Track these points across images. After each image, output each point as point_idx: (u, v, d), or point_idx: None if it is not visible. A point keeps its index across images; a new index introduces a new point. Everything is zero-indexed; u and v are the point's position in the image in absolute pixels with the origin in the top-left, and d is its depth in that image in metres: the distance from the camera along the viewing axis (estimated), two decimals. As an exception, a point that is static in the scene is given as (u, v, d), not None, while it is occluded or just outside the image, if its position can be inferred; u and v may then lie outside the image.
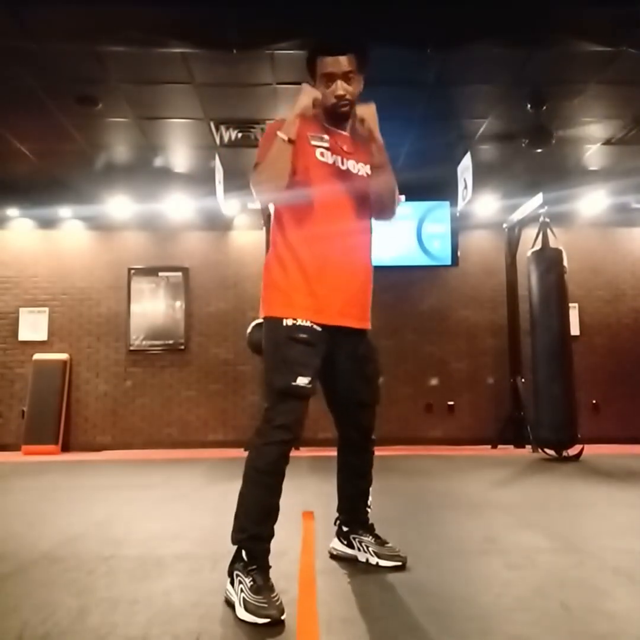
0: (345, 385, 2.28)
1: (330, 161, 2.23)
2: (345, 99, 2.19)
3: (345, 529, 2.43)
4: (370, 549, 2.35)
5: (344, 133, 2.29)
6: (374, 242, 2.34)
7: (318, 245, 2.15)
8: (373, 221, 2.36)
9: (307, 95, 2.13)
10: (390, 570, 2.28)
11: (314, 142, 2.21)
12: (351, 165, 2.27)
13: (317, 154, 2.21)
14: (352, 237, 2.24)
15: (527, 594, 2.01)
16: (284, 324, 2.08)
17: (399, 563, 2.31)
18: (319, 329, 2.11)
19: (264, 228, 7.52)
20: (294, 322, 2.08)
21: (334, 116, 2.25)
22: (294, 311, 2.09)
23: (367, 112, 2.19)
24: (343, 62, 2.16)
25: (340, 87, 2.18)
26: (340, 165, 2.25)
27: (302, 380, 2.03)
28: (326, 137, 2.24)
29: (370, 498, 2.43)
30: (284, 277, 2.15)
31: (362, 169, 2.28)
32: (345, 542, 2.43)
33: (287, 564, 2.33)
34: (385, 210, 2.34)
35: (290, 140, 2.09)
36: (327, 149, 2.23)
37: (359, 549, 2.38)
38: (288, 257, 2.16)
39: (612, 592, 2.05)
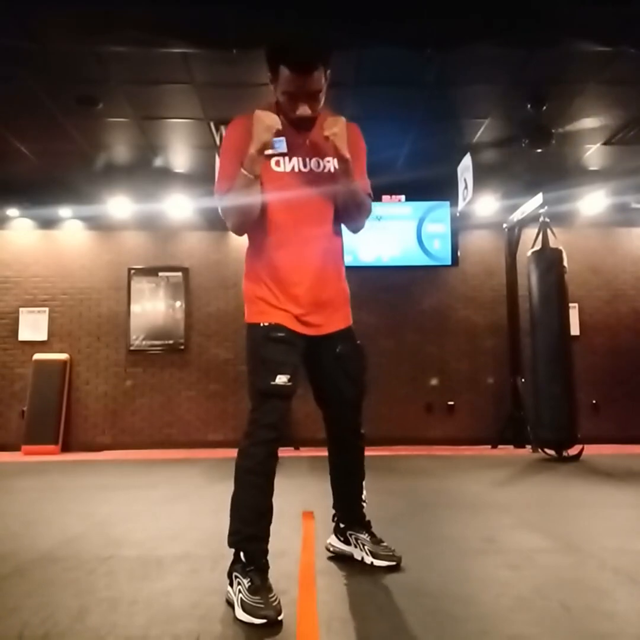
0: (328, 385, 2.27)
1: (288, 169, 2.10)
2: (307, 118, 2.04)
3: (341, 525, 2.43)
4: (365, 547, 2.35)
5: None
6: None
7: (276, 262, 2.10)
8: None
9: (265, 130, 1.94)
10: (389, 570, 2.28)
11: (267, 152, 2.02)
12: (314, 164, 2.14)
13: (272, 165, 2.09)
14: (317, 246, 2.15)
15: (527, 594, 2.01)
16: (261, 325, 2.09)
17: (393, 563, 2.31)
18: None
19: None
20: (270, 323, 2.08)
21: (293, 126, 2.09)
22: (267, 317, 2.09)
23: (334, 129, 1.99)
24: (310, 82, 1.96)
25: (305, 108, 2.02)
26: (301, 168, 2.12)
27: (281, 379, 2.02)
28: (283, 139, 2.05)
29: (364, 492, 2.43)
30: (251, 287, 2.16)
31: (328, 164, 2.15)
32: (341, 539, 2.43)
33: (287, 564, 2.33)
34: (353, 225, 2.27)
35: (256, 177, 1.98)
36: (283, 154, 2.09)
37: (355, 546, 2.39)
38: (252, 269, 2.18)
39: (612, 592, 2.05)
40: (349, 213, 2.20)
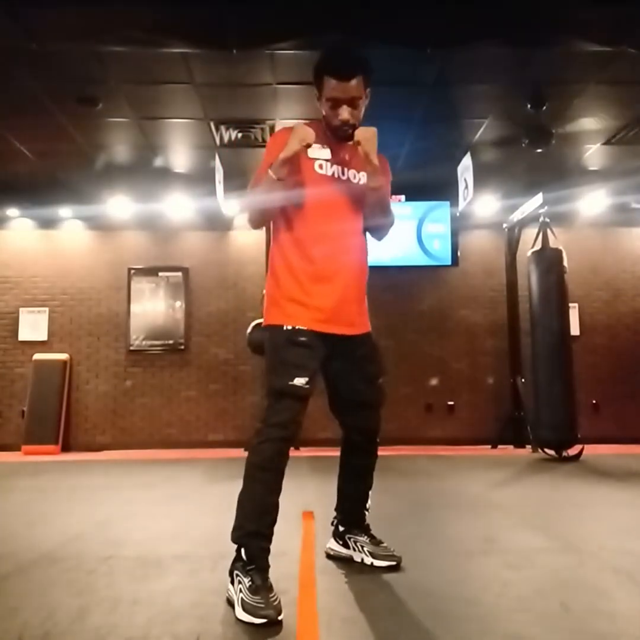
0: (347, 387, 2.30)
1: (329, 172, 2.26)
2: (348, 124, 2.20)
3: (341, 529, 2.44)
4: (365, 549, 2.37)
5: (348, 143, 2.28)
6: (369, 247, 2.39)
7: (311, 255, 2.18)
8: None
9: (299, 142, 2.09)
10: (389, 570, 2.28)
11: (312, 155, 2.21)
12: (352, 174, 2.30)
13: (316, 167, 2.24)
14: (347, 246, 2.26)
15: (527, 594, 2.01)
16: (284, 328, 2.14)
17: (393, 563, 2.32)
18: (317, 333, 2.15)
19: (264, 228, 7.52)
20: (293, 327, 2.13)
21: (337, 135, 2.26)
22: (291, 320, 2.14)
23: (366, 135, 2.16)
24: (351, 88, 2.15)
25: (346, 112, 2.18)
26: (340, 175, 2.27)
27: (299, 381, 2.06)
28: (327, 147, 2.25)
29: (369, 501, 2.44)
30: (276, 288, 2.21)
31: (363, 177, 2.29)
32: (340, 542, 2.44)
33: (287, 564, 2.34)
34: (378, 230, 2.40)
35: (280, 179, 2.11)
36: (327, 160, 2.25)
37: (354, 549, 2.40)
38: (281, 266, 2.22)
39: (612, 592, 2.05)
40: (376, 219, 2.34)
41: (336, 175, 2.26)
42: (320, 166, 2.24)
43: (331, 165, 2.26)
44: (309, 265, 2.17)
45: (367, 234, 2.39)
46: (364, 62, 2.20)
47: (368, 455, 2.40)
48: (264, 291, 2.34)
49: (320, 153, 2.23)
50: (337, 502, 2.46)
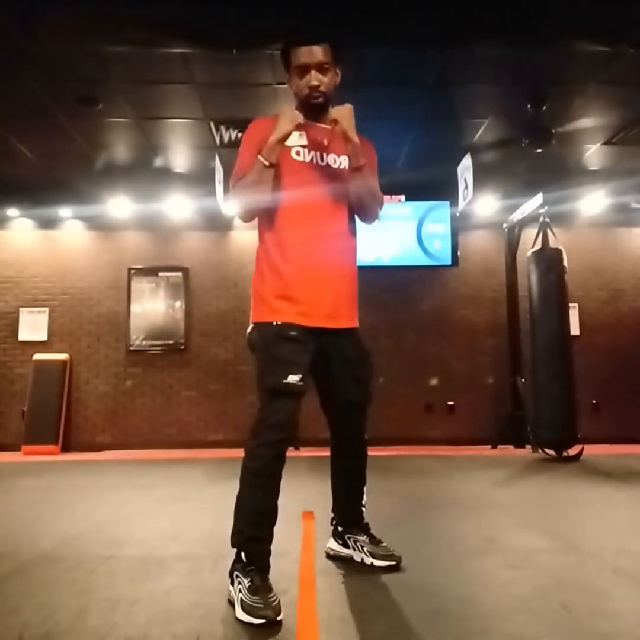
0: (337, 388, 2.27)
1: (307, 159, 2.21)
2: (318, 90, 2.17)
3: (340, 528, 2.43)
4: (364, 548, 2.36)
5: (324, 126, 2.23)
6: (358, 238, 2.31)
7: (295, 247, 2.14)
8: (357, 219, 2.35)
9: (289, 121, 2.09)
10: (389, 570, 2.28)
11: (288, 143, 2.15)
12: (331, 159, 2.24)
13: (292, 154, 2.19)
14: (331, 237, 2.21)
15: (527, 594, 2.01)
16: (273, 324, 2.10)
17: (393, 563, 2.31)
18: (306, 327, 2.12)
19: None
20: (283, 322, 2.10)
21: (310, 108, 2.20)
22: (279, 316, 2.11)
23: (342, 113, 2.13)
24: (317, 53, 2.14)
25: (314, 78, 2.15)
26: (318, 161, 2.22)
27: (293, 378, 2.03)
28: (303, 133, 2.19)
29: (364, 498, 2.43)
30: (262, 285, 2.18)
31: (343, 161, 2.24)
32: (340, 542, 2.43)
33: (287, 564, 2.33)
34: (366, 212, 2.31)
35: (271, 165, 2.08)
36: (303, 146, 2.20)
37: (353, 549, 2.39)
38: (265, 264, 2.18)
39: (612, 592, 2.05)
40: (362, 200, 2.25)
41: (314, 162, 2.21)
42: (298, 153, 2.19)
43: (309, 152, 2.20)
44: (292, 262, 2.13)
45: (356, 219, 2.32)
46: (328, 35, 2.20)
47: (358, 455, 2.39)
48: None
49: (296, 140, 2.17)
50: (334, 503, 2.45)
